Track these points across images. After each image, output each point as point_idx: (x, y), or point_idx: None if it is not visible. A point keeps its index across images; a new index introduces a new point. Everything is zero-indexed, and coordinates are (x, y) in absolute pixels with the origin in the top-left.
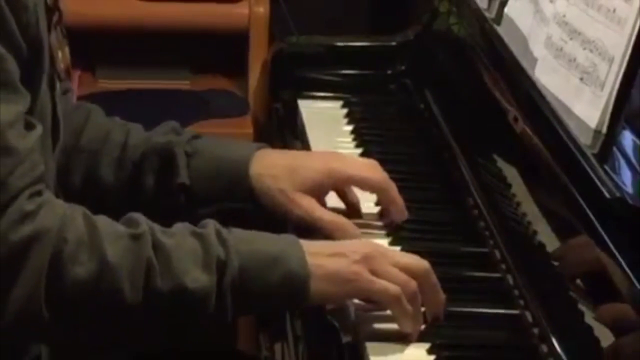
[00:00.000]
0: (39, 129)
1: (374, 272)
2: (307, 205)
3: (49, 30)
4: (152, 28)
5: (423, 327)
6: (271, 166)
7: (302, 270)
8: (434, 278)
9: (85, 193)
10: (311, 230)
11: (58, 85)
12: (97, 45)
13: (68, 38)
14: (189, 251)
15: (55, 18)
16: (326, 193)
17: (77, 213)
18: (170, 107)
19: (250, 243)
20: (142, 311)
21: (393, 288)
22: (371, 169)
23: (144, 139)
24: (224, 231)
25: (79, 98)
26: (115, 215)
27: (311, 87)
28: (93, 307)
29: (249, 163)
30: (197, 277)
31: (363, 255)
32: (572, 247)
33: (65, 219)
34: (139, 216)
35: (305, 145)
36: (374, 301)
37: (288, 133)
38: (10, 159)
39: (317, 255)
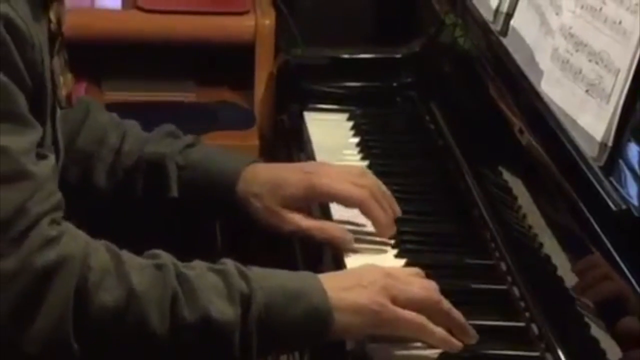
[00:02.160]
0: (51, 159)
1: (394, 299)
2: (294, 219)
3: (52, 56)
4: (158, 40)
5: None
6: (254, 184)
7: (324, 304)
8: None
9: (79, 193)
10: (305, 241)
11: (58, 111)
12: (103, 58)
13: (74, 49)
14: (212, 284)
15: (57, 44)
16: (311, 206)
17: (99, 244)
18: (176, 119)
19: (271, 279)
20: (169, 341)
21: (417, 317)
22: (353, 184)
23: (138, 146)
24: (244, 268)
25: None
26: (110, 218)
27: (317, 99)
28: (121, 335)
29: (237, 180)
30: (221, 309)
31: (381, 284)
32: (578, 259)
33: (89, 248)
34: (160, 252)
35: (311, 158)
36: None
37: (294, 145)
38: (27, 184)
39: (336, 289)
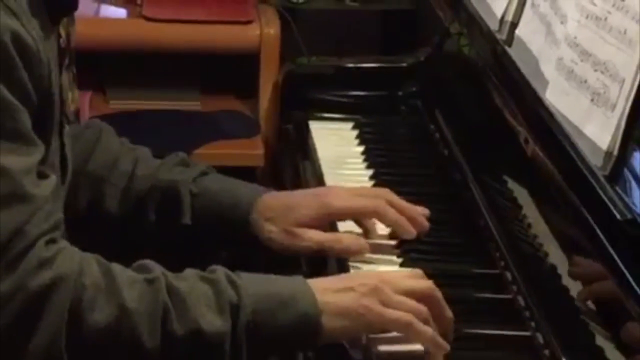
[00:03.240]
0: (53, 179)
1: (383, 303)
2: (309, 234)
3: (60, 71)
4: (163, 49)
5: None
6: (267, 210)
7: (313, 309)
8: (439, 295)
9: (89, 218)
10: (321, 256)
11: (67, 127)
12: (108, 66)
13: (79, 58)
14: (202, 295)
15: (66, 60)
16: (324, 227)
17: (92, 260)
18: (181, 128)
19: (260, 286)
20: (160, 354)
21: (404, 315)
22: (363, 197)
23: (151, 172)
24: (234, 275)
25: (91, 119)
26: (119, 243)
27: (322, 108)
28: (112, 351)
29: (251, 209)
30: (212, 321)
31: (371, 287)
32: (583, 269)
33: (82, 266)
34: (151, 263)
35: (315, 167)
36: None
37: (298, 154)
38: (27, 206)
39: (326, 292)
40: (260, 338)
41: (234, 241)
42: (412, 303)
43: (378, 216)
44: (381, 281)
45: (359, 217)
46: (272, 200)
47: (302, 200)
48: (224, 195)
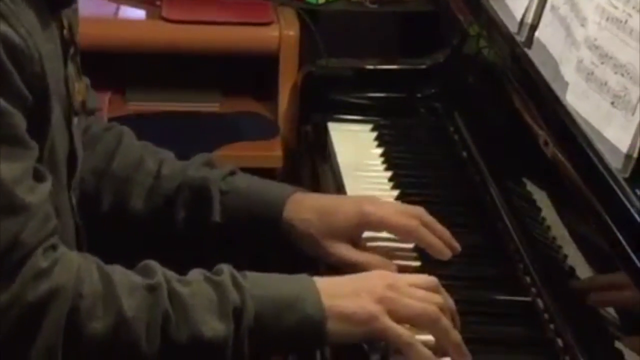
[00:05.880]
0: (49, 180)
1: (391, 312)
2: (339, 251)
3: (65, 63)
4: (183, 50)
5: None
6: (302, 211)
7: (318, 313)
8: (445, 323)
9: (113, 219)
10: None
11: (76, 119)
12: (127, 68)
13: (98, 59)
14: (205, 299)
15: (71, 51)
16: (359, 236)
17: (92, 266)
18: (200, 129)
19: (266, 288)
20: None
21: (407, 335)
22: (404, 214)
23: (178, 171)
24: (239, 276)
25: (110, 120)
26: (142, 243)
27: (341, 110)
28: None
29: (283, 207)
30: (214, 326)
31: (378, 295)
32: (602, 271)
33: (81, 274)
34: (154, 265)
35: (334, 168)
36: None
37: (317, 156)
38: (21, 216)
39: (333, 296)
40: (262, 340)
41: (261, 241)
42: (425, 295)
43: (415, 235)
44: (391, 287)
45: (395, 233)
46: (307, 200)
47: (341, 205)
48: (254, 193)
